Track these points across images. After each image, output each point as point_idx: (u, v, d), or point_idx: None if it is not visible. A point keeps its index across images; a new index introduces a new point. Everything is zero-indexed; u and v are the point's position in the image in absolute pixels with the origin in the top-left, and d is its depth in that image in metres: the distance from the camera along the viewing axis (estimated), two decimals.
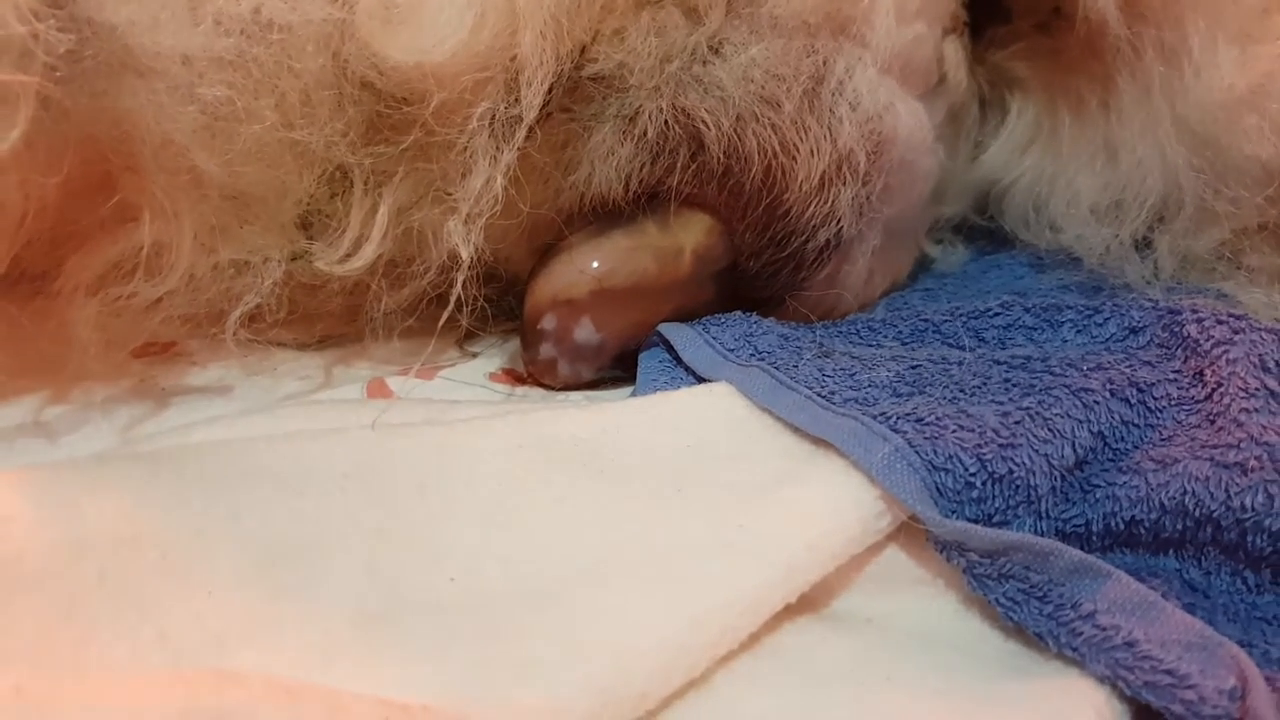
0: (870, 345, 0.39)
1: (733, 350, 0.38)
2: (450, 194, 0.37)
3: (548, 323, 0.40)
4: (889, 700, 0.28)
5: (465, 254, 0.36)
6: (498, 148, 0.36)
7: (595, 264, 0.39)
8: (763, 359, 0.37)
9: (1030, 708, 0.27)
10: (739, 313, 0.40)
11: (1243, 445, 0.30)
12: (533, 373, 0.41)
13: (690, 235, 0.40)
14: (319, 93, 0.35)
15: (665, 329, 0.39)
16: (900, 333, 0.40)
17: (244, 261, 0.38)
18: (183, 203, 0.36)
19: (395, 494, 0.31)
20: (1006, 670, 0.29)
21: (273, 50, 0.34)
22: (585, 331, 0.40)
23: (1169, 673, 0.26)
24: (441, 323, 0.38)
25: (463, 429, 0.34)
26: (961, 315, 0.40)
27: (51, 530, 0.26)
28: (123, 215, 0.36)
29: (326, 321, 0.44)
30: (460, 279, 0.37)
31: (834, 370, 0.36)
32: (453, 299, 0.37)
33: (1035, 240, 0.48)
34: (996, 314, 0.39)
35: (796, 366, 0.36)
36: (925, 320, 0.40)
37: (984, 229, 0.53)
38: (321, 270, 0.38)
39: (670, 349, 0.39)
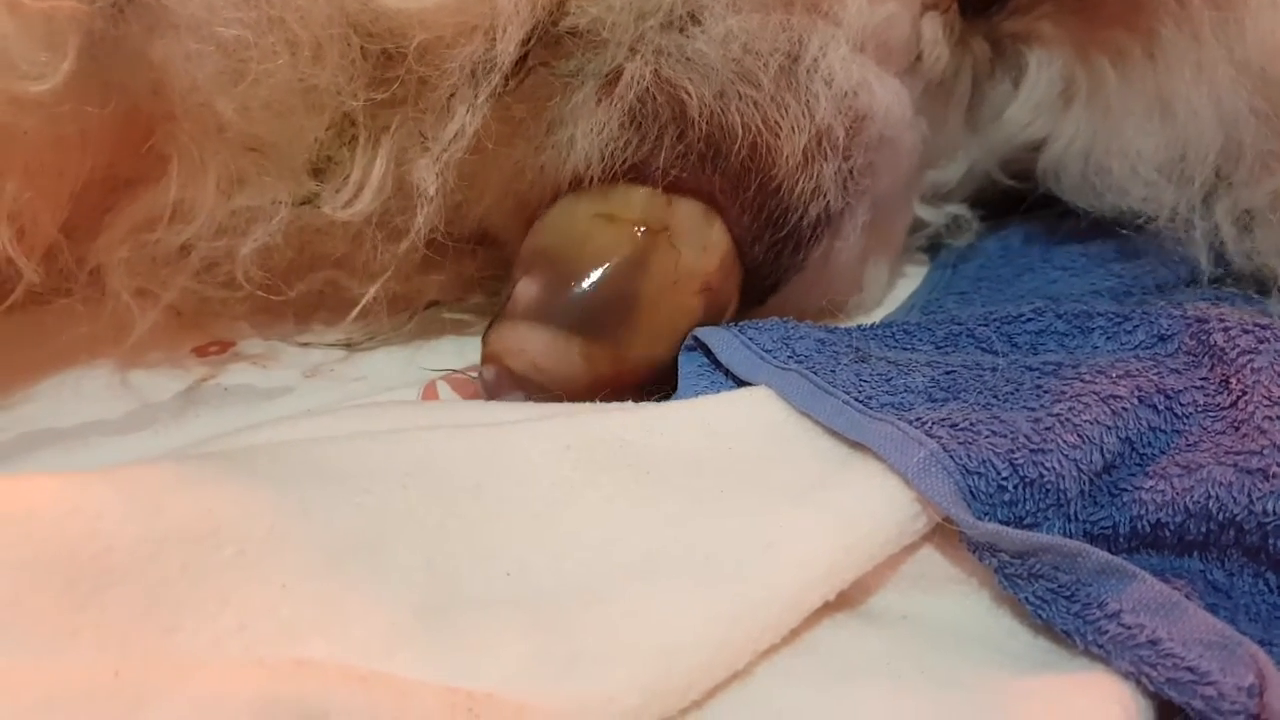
0: (906, 349, 0.41)
1: (770, 352, 0.39)
2: (428, 139, 0.39)
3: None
4: (921, 692, 0.29)
5: (431, 189, 0.38)
6: (475, 95, 0.38)
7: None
8: (801, 363, 0.38)
9: (1057, 702, 0.28)
10: (775, 318, 0.41)
11: (1265, 452, 0.31)
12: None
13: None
14: (325, 36, 0.37)
15: (701, 333, 0.40)
16: (935, 337, 0.41)
17: (257, 207, 0.40)
18: (208, 150, 0.38)
19: (453, 493, 0.33)
20: (1035, 665, 0.30)
21: None
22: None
23: (1190, 670, 0.27)
24: (401, 250, 0.40)
25: (515, 431, 0.36)
26: (995, 320, 0.41)
27: (137, 526, 0.28)
28: (154, 171, 0.39)
29: (377, 317, 0.46)
30: (424, 212, 0.39)
31: (870, 375, 0.37)
32: (413, 231, 0.39)
33: (1092, 205, 0.48)
34: (1029, 319, 0.40)
35: (834, 371, 0.38)
36: (959, 325, 0.41)
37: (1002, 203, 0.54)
38: (325, 215, 0.40)
39: (708, 351, 0.40)
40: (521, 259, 0.41)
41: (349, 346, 0.46)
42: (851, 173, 0.42)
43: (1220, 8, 0.43)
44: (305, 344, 0.45)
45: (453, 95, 0.38)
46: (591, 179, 0.40)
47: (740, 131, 0.39)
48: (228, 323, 0.45)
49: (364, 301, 0.42)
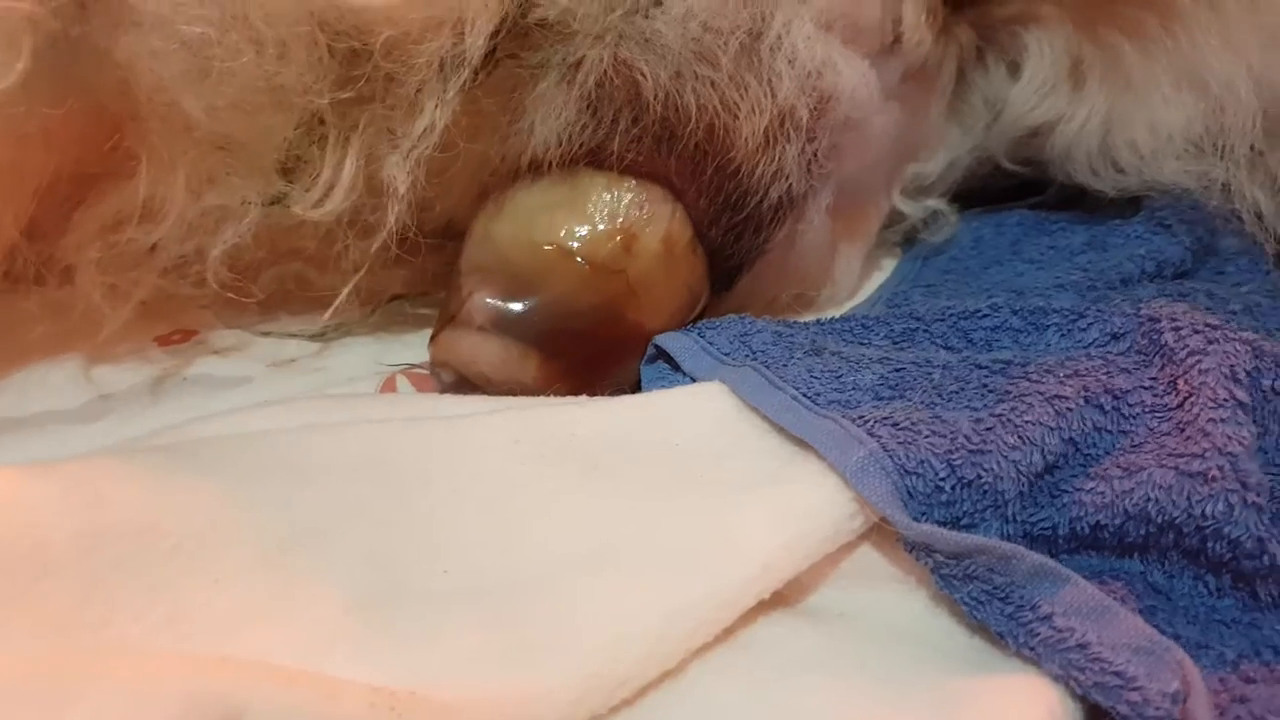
0: (862, 344, 0.41)
1: (728, 354, 0.39)
2: (397, 135, 0.39)
3: None
4: (856, 690, 0.29)
5: (402, 186, 0.38)
6: (444, 89, 0.38)
7: None
8: (756, 358, 0.39)
9: (988, 702, 0.28)
10: (732, 315, 0.41)
11: (1207, 455, 0.31)
12: None
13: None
14: (291, 33, 0.36)
15: (662, 339, 0.40)
16: (892, 332, 0.41)
17: (226, 207, 0.40)
18: (177, 149, 0.38)
19: (400, 486, 0.33)
20: (969, 666, 0.30)
21: None
22: None
23: (1117, 674, 0.27)
24: (374, 248, 0.40)
25: (465, 424, 0.36)
26: (952, 315, 0.41)
27: (75, 519, 0.28)
28: (123, 169, 0.39)
29: (320, 303, 0.46)
30: (395, 210, 0.39)
31: (821, 371, 0.37)
32: (385, 228, 0.39)
33: (1110, 185, 0.48)
34: (985, 315, 0.40)
35: (786, 365, 0.38)
36: (917, 319, 0.41)
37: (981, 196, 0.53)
38: (296, 215, 0.40)
39: (669, 358, 0.40)
40: (474, 264, 0.41)
41: (312, 338, 0.46)
42: (815, 155, 0.42)
43: None
44: (268, 334, 0.45)
45: (421, 91, 0.38)
46: (550, 164, 0.40)
47: (695, 113, 0.39)
48: (192, 312, 0.46)
49: (338, 301, 0.42)
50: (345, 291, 0.42)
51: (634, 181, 0.40)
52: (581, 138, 0.39)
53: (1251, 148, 0.44)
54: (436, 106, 0.38)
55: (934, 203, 0.53)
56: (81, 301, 0.40)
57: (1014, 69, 0.50)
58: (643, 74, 0.38)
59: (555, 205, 0.40)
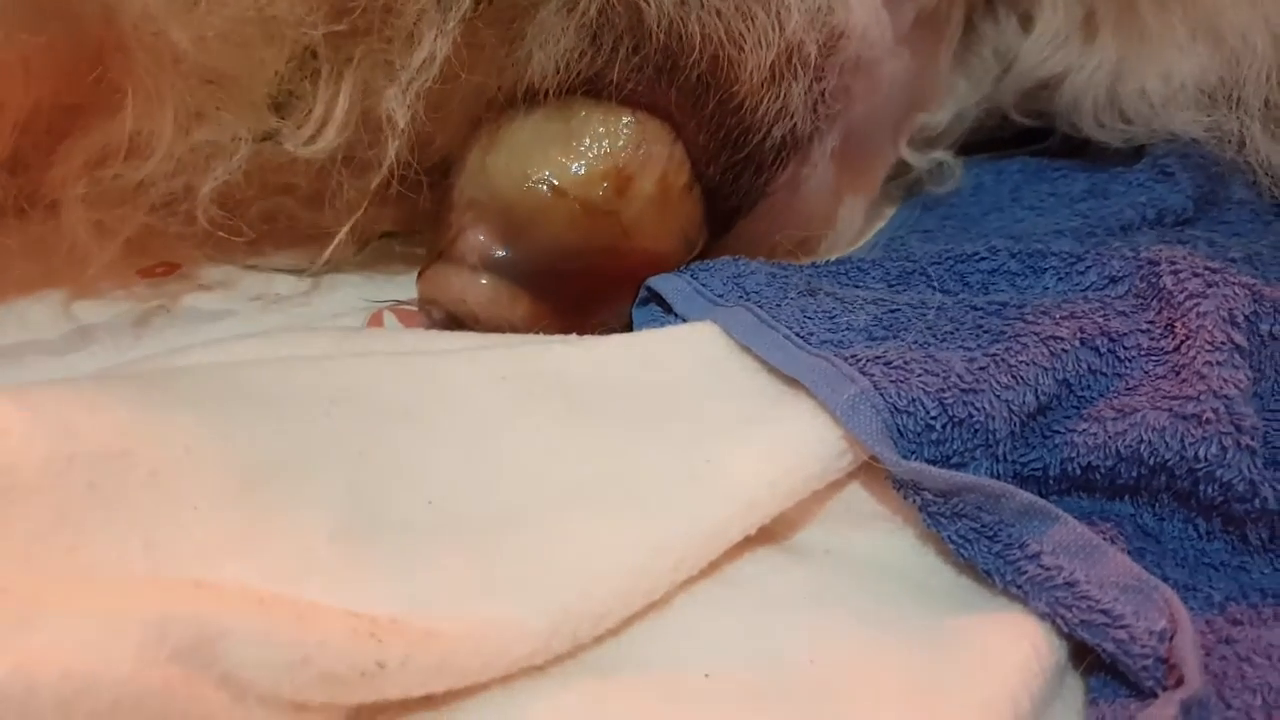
0: (856, 286, 0.40)
1: (721, 296, 0.38)
2: (396, 68, 0.38)
3: None
4: (840, 625, 0.29)
5: (401, 120, 0.37)
6: (444, 19, 0.36)
7: None
8: (749, 299, 0.38)
9: (972, 639, 0.28)
10: (726, 257, 0.40)
11: (1202, 397, 0.30)
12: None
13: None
14: None
15: (654, 282, 0.39)
16: (888, 273, 0.40)
17: (216, 143, 0.39)
18: (164, 83, 0.37)
19: (380, 419, 0.32)
20: (955, 603, 0.30)
21: None
22: None
23: (1104, 612, 0.27)
24: (373, 187, 0.39)
25: (450, 359, 0.35)
26: (949, 259, 0.40)
27: (45, 444, 0.28)
28: (109, 103, 0.38)
29: (309, 240, 0.45)
30: (394, 146, 0.38)
31: (815, 311, 0.36)
32: (384, 165, 0.38)
33: (1117, 135, 0.47)
34: (983, 258, 0.39)
35: (780, 305, 0.37)
36: (913, 263, 0.40)
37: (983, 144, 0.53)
38: (289, 151, 0.39)
39: (662, 301, 0.39)
40: (466, 198, 0.39)
41: (298, 273, 0.45)
42: (823, 95, 0.40)
43: None
44: (252, 267, 0.44)
45: (419, 21, 0.36)
46: (546, 92, 0.39)
47: (700, 43, 0.37)
48: (176, 246, 0.45)
49: (336, 240, 0.41)
50: (344, 231, 0.41)
51: (630, 117, 0.39)
52: (580, 65, 0.38)
53: (1266, 101, 0.43)
54: (436, 37, 0.36)
55: (940, 154, 0.52)
56: (66, 237, 0.39)
57: (1026, 21, 0.49)
58: (646, 0, 0.37)
59: (549, 140, 0.39)
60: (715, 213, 0.41)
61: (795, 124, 0.40)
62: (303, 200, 0.43)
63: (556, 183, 0.38)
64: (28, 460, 0.27)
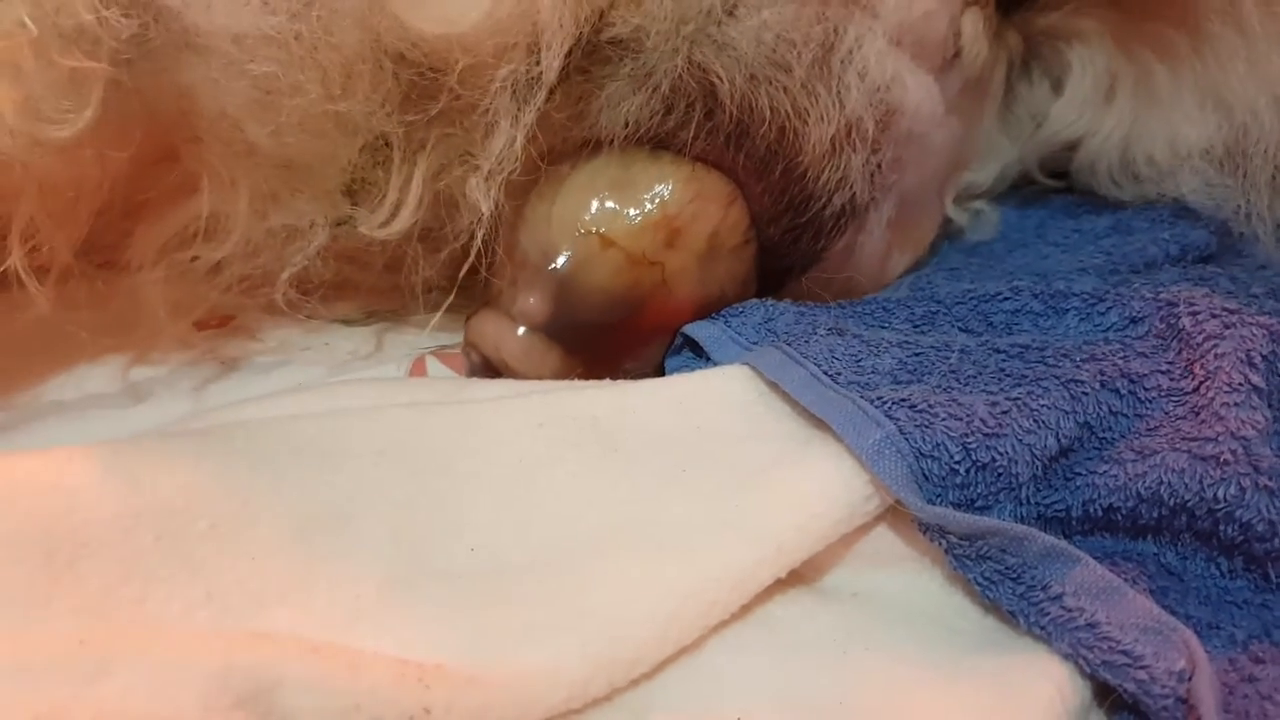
0: (882, 326, 0.41)
1: (756, 343, 0.39)
2: (475, 156, 0.39)
3: None
4: (868, 667, 0.30)
5: (485, 208, 0.38)
6: (519, 108, 0.38)
7: None
8: (779, 339, 0.39)
9: (997, 679, 0.29)
10: (755, 300, 0.41)
11: (1220, 439, 0.31)
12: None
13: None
14: (358, 66, 0.37)
15: (690, 329, 0.40)
16: (913, 314, 0.41)
17: (293, 227, 0.40)
18: (239, 171, 0.39)
19: (423, 469, 0.34)
20: (980, 644, 0.31)
21: (314, 27, 0.36)
22: None
23: (1125, 653, 0.27)
24: (462, 275, 0.41)
25: (489, 408, 0.37)
26: (973, 298, 0.41)
27: (114, 500, 0.30)
28: (185, 185, 0.40)
29: (373, 295, 0.47)
30: (480, 233, 0.39)
31: (843, 352, 0.37)
32: (473, 252, 0.39)
33: (1130, 194, 0.48)
34: (1005, 298, 0.40)
35: (808, 342, 0.38)
36: (938, 303, 0.41)
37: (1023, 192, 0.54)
38: (363, 235, 0.40)
39: (694, 347, 0.40)
40: (520, 246, 0.41)
41: (346, 323, 0.47)
42: (879, 166, 0.42)
43: (1269, 2, 0.42)
44: (299, 314, 0.46)
45: (495, 113, 0.38)
46: (613, 141, 0.40)
47: (769, 116, 0.39)
48: (228, 295, 0.47)
49: (432, 324, 0.43)
50: (438, 315, 0.43)
51: (690, 171, 0.40)
52: (650, 124, 0.39)
53: (1273, 175, 0.44)
54: (513, 126, 0.38)
55: (978, 204, 0.54)
56: (138, 311, 0.41)
57: (1057, 85, 0.51)
58: (719, 76, 0.38)
59: (605, 187, 0.40)
60: (769, 271, 0.43)
61: (855, 193, 0.42)
62: (376, 274, 0.44)
63: (606, 231, 0.39)
64: (99, 516, 0.29)
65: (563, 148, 0.40)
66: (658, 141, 0.40)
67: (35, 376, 0.41)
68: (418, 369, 0.44)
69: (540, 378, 0.40)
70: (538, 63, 0.37)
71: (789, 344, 0.38)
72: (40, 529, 0.28)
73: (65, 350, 0.42)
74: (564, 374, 0.40)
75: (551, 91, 0.37)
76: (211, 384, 0.42)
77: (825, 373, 0.36)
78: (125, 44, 0.34)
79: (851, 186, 0.41)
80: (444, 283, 0.44)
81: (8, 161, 0.33)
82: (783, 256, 0.43)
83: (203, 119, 0.37)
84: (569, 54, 0.37)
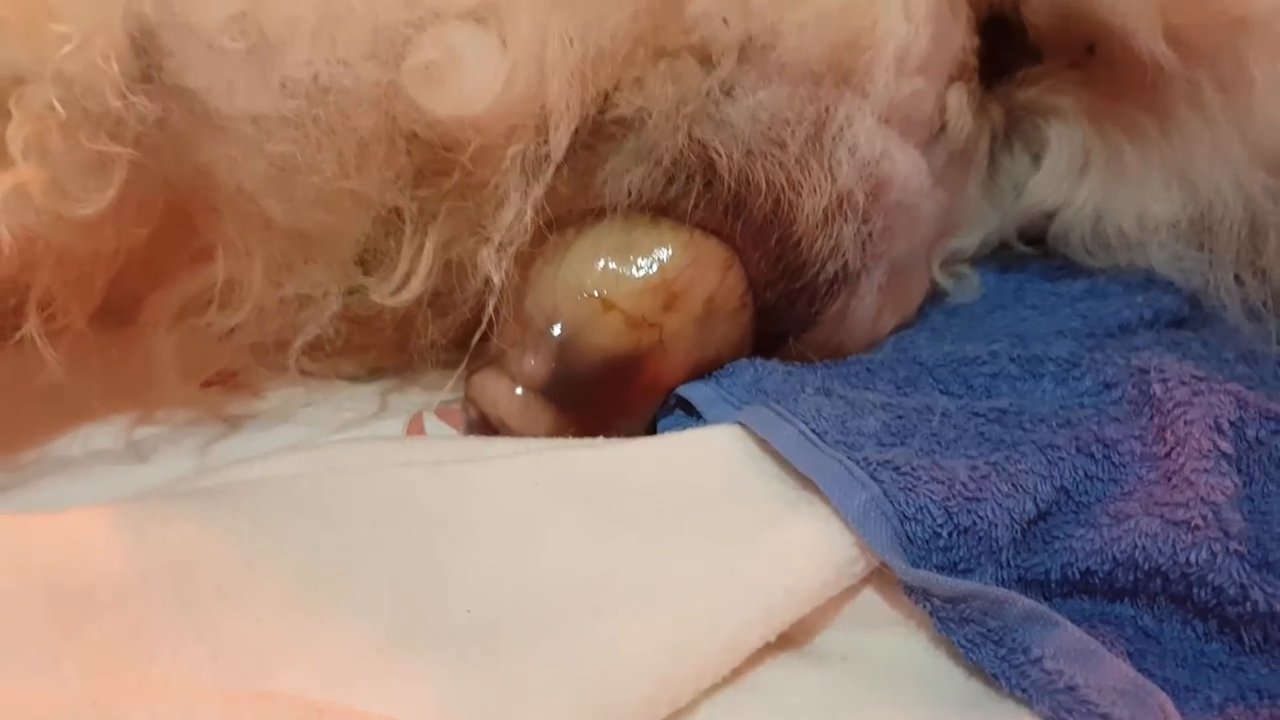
0: (866, 388, 0.42)
1: (746, 402, 0.40)
2: (485, 227, 0.40)
3: None
4: None
5: (497, 279, 0.40)
6: (528, 183, 0.39)
7: None
8: (769, 398, 0.40)
9: None
10: (744, 360, 0.43)
11: (1191, 504, 0.32)
12: None
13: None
14: (373, 145, 0.38)
15: (684, 390, 0.41)
16: (896, 376, 0.43)
17: (306, 295, 0.42)
18: (254, 241, 0.40)
19: (421, 528, 0.35)
20: (965, 706, 0.32)
21: (330, 110, 0.37)
22: None
23: (1104, 716, 0.28)
24: (474, 344, 0.42)
25: (484, 467, 0.38)
26: (954, 361, 0.42)
27: (123, 560, 0.30)
28: (200, 253, 0.41)
29: (379, 352, 0.48)
30: (492, 303, 0.40)
31: (829, 411, 0.38)
32: (484, 321, 0.41)
33: (1102, 262, 0.50)
34: (985, 362, 0.41)
35: (796, 400, 0.39)
36: (920, 365, 0.43)
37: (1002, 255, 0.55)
38: (375, 303, 0.41)
39: (686, 407, 0.42)
40: (524, 310, 0.42)
41: (351, 379, 0.48)
42: (870, 235, 0.44)
43: (1228, 91, 0.44)
44: (305, 373, 0.47)
45: (506, 188, 0.39)
46: (616, 208, 0.41)
47: (765, 188, 0.41)
48: (232, 353, 0.47)
49: (448, 387, 0.44)
50: (455, 378, 0.44)
51: (689, 237, 0.41)
52: (652, 193, 0.41)
53: (1237, 254, 0.46)
54: (522, 199, 0.39)
55: (961, 268, 0.55)
56: (149, 373, 0.42)
57: (1036, 159, 0.53)
58: (717, 151, 0.40)
59: (607, 252, 0.41)
60: (765, 334, 0.44)
61: (847, 261, 0.43)
62: (385, 338, 0.45)
63: (608, 294, 0.41)
64: (109, 576, 0.30)
65: (568, 217, 0.41)
66: (659, 209, 0.42)
67: (41, 435, 0.42)
68: (415, 426, 0.45)
69: (535, 435, 0.41)
70: (546, 141, 0.38)
71: (778, 402, 0.39)
72: (51, 588, 0.29)
73: (72, 409, 0.42)
74: (559, 432, 0.41)
75: (559, 167, 0.39)
76: (216, 442, 0.43)
77: (813, 431, 0.37)
78: (149, 127, 0.35)
79: (844, 254, 0.43)
80: (448, 342, 0.45)
81: (30, 237, 0.34)
82: (778, 320, 0.45)
83: (220, 193, 0.38)
84: (575, 132, 0.39)
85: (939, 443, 0.36)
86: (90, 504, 0.33)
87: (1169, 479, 0.34)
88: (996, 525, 0.33)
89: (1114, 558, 0.33)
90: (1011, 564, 0.33)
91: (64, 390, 0.40)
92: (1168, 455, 0.34)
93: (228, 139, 0.37)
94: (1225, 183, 0.44)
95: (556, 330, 0.41)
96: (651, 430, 0.42)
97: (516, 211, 0.39)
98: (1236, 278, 0.45)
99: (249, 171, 0.37)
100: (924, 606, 0.32)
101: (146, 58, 0.35)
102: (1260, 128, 0.43)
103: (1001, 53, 0.51)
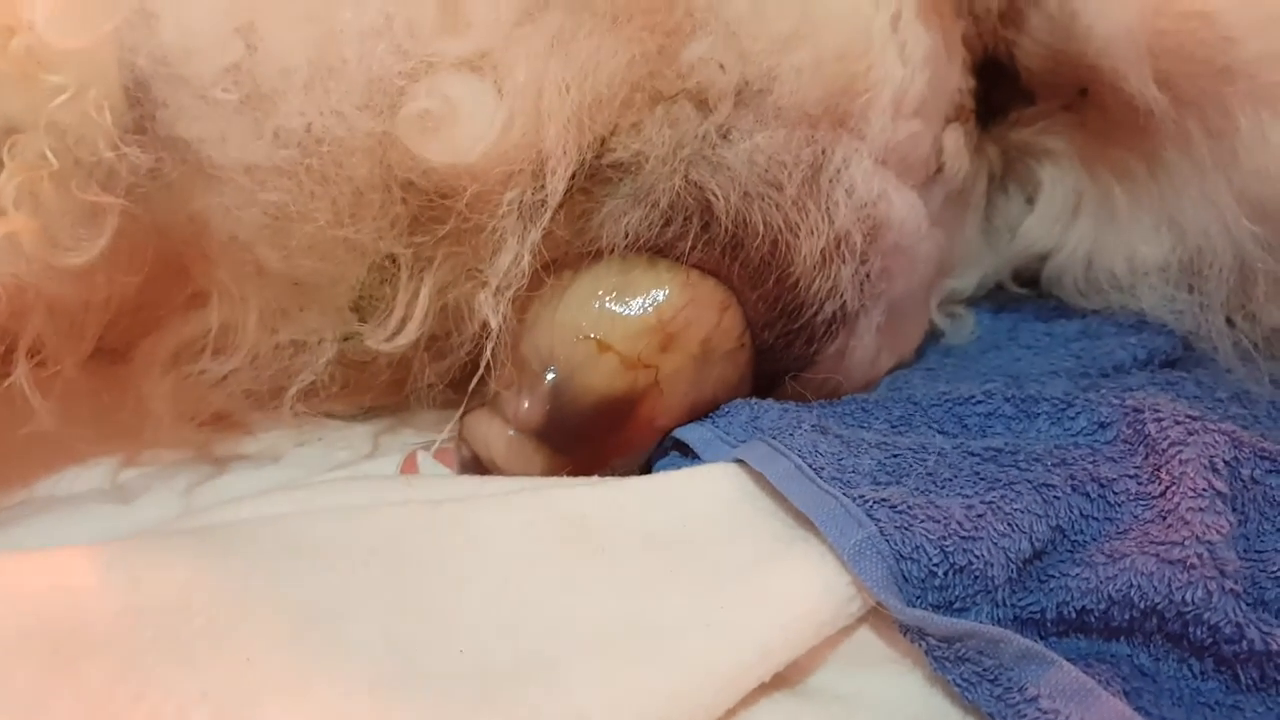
0: (862, 427, 0.42)
1: (743, 440, 0.40)
2: (482, 271, 0.40)
3: None
4: None
5: (494, 323, 0.40)
6: (525, 228, 0.39)
7: None
8: (764, 431, 0.40)
9: None
10: (740, 399, 0.43)
11: (1186, 543, 0.32)
12: None
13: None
14: (368, 194, 0.38)
15: (680, 432, 0.42)
16: (891, 415, 0.43)
17: (301, 341, 0.42)
18: (248, 288, 0.40)
19: (414, 568, 0.35)
20: None
21: (324, 160, 0.37)
22: None
23: None
24: (472, 386, 0.42)
25: (478, 506, 0.37)
26: (949, 401, 0.42)
27: (114, 599, 0.30)
28: (194, 299, 0.41)
29: (374, 393, 0.48)
30: (490, 346, 0.40)
31: (825, 448, 0.38)
32: (483, 364, 0.41)
33: (1094, 303, 0.50)
34: (980, 402, 0.42)
35: (793, 436, 0.39)
36: (915, 404, 0.43)
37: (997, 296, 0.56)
38: (371, 348, 0.41)
39: (682, 448, 0.42)
40: (521, 352, 0.42)
41: (344, 419, 0.48)
42: (868, 276, 0.45)
43: (1215, 136, 0.45)
44: (298, 413, 0.47)
45: (503, 233, 0.39)
46: (613, 250, 0.42)
47: (763, 230, 0.42)
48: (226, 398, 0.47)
49: (443, 438, 0.44)
50: (447, 431, 0.44)
51: (686, 278, 0.42)
52: (649, 235, 0.41)
53: (1226, 299, 0.46)
54: (520, 243, 0.39)
55: (956, 308, 0.56)
56: (143, 416, 0.42)
57: (1030, 201, 0.54)
58: (715, 194, 0.41)
59: (605, 293, 0.41)
60: (763, 373, 0.45)
61: (845, 301, 0.44)
62: (381, 381, 0.45)
63: (603, 336, 0.41)
64: (101, 615, 0.30)
65: (565, 260, 0.42)
66: (656, 250, 0.42)
67: (30, 475, 0.42)
68: (409, 465, 0.45)
69: (526, 473, 0.41)
70: (542, 186, 0.38)
71: (774, 437, 0.39)
72: (43, 627, 0.29)
73: (62, 449, 0.42)
74: (552, 473, 0.41)
75: (555, 211, 0.39)
76: (206, 482, 0.42)
77: (810, 466, 0.37)
78: (141, 177, 0.36)
79: (842, 295, 0.44)
80: (446, 384, 0.45)
81: (21, 285, 0.34)
82: (777, 360, 0.45)
83: (213, 241, 0.38)
84: (572, 177, 0.39)
85: (934, 482, 0.36)
86: (80, 543, 0.33)
87: (1164, 518, 0.34)
88: (992, 564, 0.33)
89: (1110, 596, 0.32)
90: (1007, 603, 0.33)
91: (54, 433, 0.41)
92: (1163, 494, 0.35)
93: (221, 188, 0.37)
94: (1213, 227, 0.45)
95: (551, 373, 0.41)
96: (646, 468, 0.42)
97: (514, 256, 0.39)
98: (1228, 320, 0.46)
99: (242, 220, 0.37)
100: (919, 645, 0.32)
101: (140, 108, 0.36)
102: (1245, 174, 0.44)
103: (996, 94, 0.52)
